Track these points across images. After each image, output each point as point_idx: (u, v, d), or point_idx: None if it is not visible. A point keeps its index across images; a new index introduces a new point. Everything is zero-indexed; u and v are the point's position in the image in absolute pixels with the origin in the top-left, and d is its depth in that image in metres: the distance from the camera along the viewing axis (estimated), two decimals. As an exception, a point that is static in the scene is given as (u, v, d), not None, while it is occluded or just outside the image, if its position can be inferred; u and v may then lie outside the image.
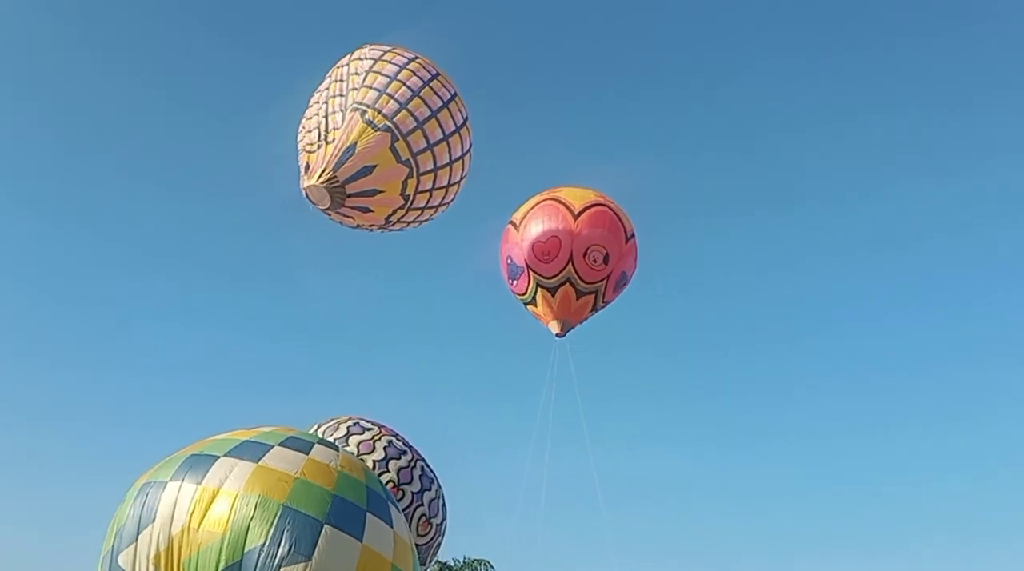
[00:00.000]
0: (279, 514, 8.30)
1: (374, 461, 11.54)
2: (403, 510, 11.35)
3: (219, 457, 8.80)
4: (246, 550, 8.13)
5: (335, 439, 11.81)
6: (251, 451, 8.89)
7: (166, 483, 8.66)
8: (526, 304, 15.02)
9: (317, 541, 8.20)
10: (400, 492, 11.48)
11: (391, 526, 9.13)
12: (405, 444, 12.04)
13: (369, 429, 12.00)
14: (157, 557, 8.25)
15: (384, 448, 11.80)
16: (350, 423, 12.10)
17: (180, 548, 8.29)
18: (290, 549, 8.11)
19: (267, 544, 8.12)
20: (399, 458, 11.75)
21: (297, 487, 8.59)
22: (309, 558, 8.09)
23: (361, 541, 8.54)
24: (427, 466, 11.95)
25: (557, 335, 14.84)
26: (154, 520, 8.47)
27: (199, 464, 8.77)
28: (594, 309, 14.72)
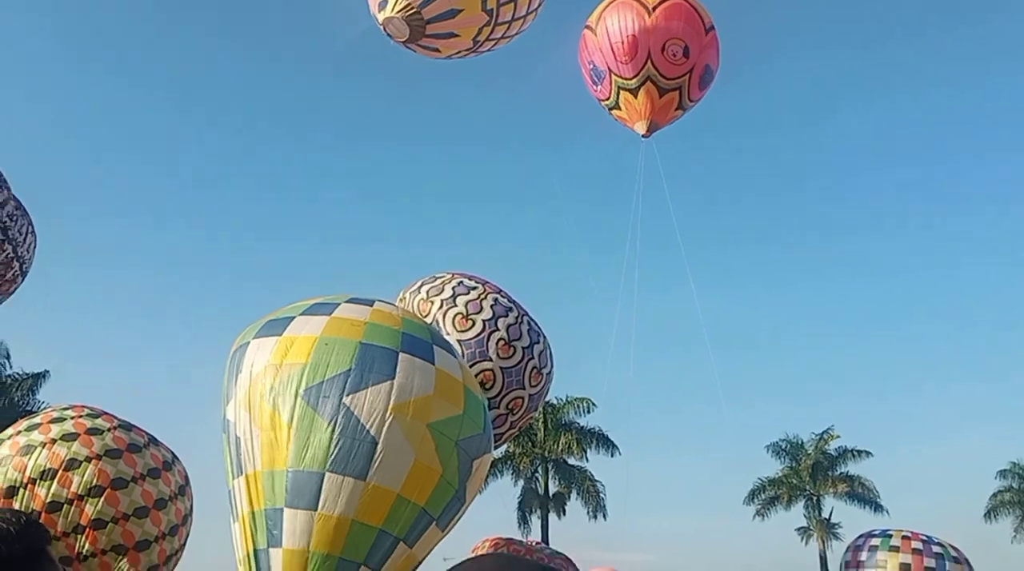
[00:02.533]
0: (358, 348, 8.91)
1: (483, 321, 11.63)
2: (515, 365, 11.77)
3: (295, 316, 9.38)
4: (328, 376, 8.69)
5: (441, 300, 11.88)
6: (322, 309, 9.44)
7: (249, 342, 9.24)
8: (610, 109, 14.44)
9: (396, 365, 8.88)
10: (511, 349, 11.67)
11: (455, 356, 9.91)
12: (510, 300, 12.03)
13: (474, 288, 11.97)
14: (245, 394, 8.83)
15: (491, 307, 11.84)
16: (454, 282, 12.03)
17: (262, 382, 8.84)
18: (374, 371, 8.75)
19: (351, 369, 8.72)
20: (507, 315, 11.83)
21: (369, 328, 9.28)
22: (392, 378, 8.74)
23: (434, 365, 9.14)
24: (532, 320, 12.01)
25: (643, 136, 14.38)
26: (241, 371, 9.00)
27: (277, 324, 9.33)
28: (680, 108, 14.08)
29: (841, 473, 37.78)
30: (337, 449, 8.42)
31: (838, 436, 38.32)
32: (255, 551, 8.72)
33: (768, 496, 38.70)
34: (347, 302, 9.60)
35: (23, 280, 12.85)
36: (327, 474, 8.49)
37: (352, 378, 8.71)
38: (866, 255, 71.76)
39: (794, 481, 38.44)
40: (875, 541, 12.55)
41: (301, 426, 8.58)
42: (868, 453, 37.77)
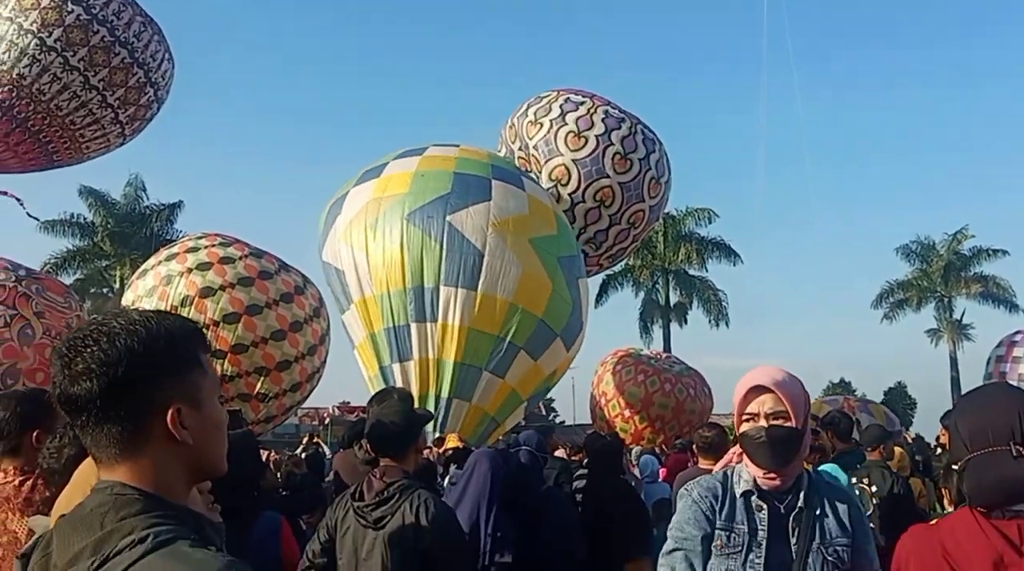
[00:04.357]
0: (453, 176, 9.60)
1: (596, 137, 11.40)
2: (633, 179, 11.68)
3: (388, 162, 10.17)
4: (429, 199, 9.36)
5: (549, 119, 11.66)
6: (412, 152, 10.12)
7: (348, 192, 10.08)
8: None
9: (491, 189, 9.57)
10: (628, 163, 11.46)
11: (542, 187, 10.73)
12: (621, 111, 11.67)
13: (582, 103, 11.64)
14: (346, 229, 9.57)
15: (603, 121, 11.53)
16: (561, 100, 11.70)
17: (367, 214, 9.61)
18: (471, 194, 9.48)
19: (451, 193, 9.41)
20: (619, 127, 11.51)
21: (460, 161, 9.94)
22: (489, 199, 9.43)
23: (524, 191, 9.87)
24: (646, 128, 11.67)
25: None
26: (342, 214, 9.93)
27: (372, 171, 10.18)
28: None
29: (974, 273, 36.45)
30: (447, 263, 9.01)
31: (973, 236, 36.71)
32: (381, 368, 9.32)
33: (897, 299, 37.89)
34: (434, 146, 10.32)
35: (159, 107, 12.96)
36: (442, 287, 8.99)
37: (452, 199, 9.33)
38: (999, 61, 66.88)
39: (924, 283, 37.38)
40: (1033, 337, 12.20)
41: (411, 246, 9.07)
42: (1004, 252, 36.08)
